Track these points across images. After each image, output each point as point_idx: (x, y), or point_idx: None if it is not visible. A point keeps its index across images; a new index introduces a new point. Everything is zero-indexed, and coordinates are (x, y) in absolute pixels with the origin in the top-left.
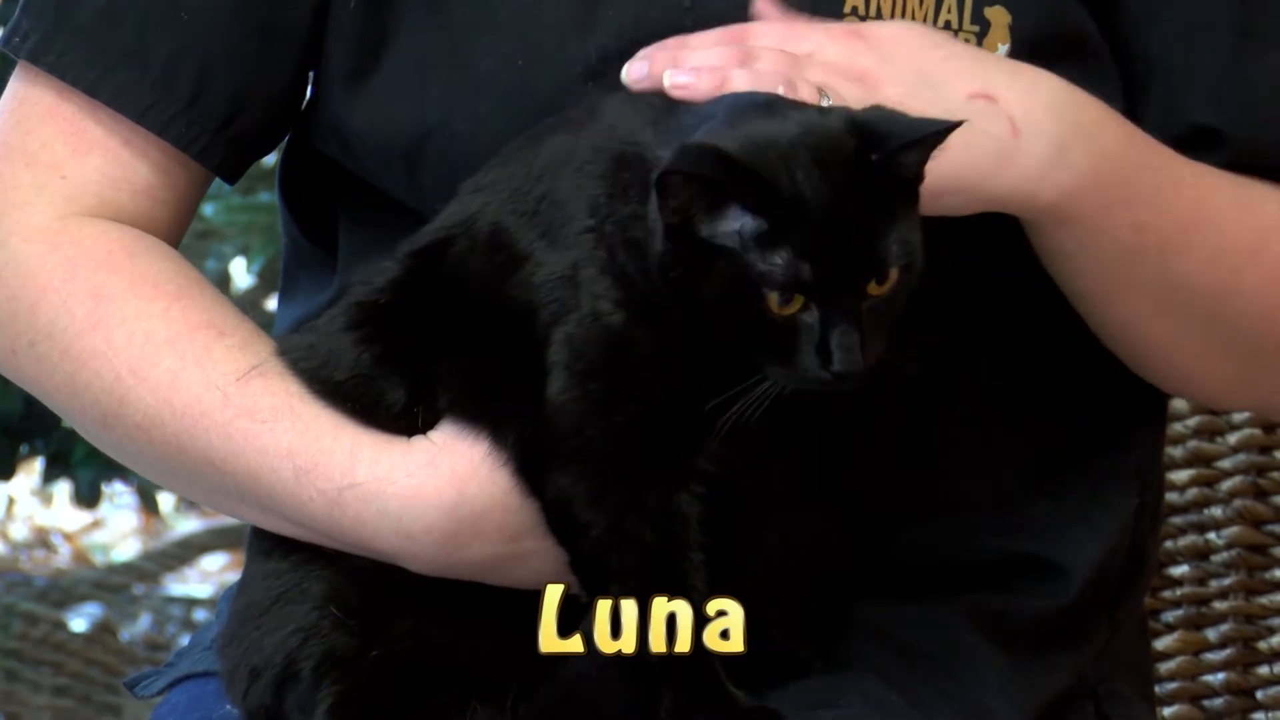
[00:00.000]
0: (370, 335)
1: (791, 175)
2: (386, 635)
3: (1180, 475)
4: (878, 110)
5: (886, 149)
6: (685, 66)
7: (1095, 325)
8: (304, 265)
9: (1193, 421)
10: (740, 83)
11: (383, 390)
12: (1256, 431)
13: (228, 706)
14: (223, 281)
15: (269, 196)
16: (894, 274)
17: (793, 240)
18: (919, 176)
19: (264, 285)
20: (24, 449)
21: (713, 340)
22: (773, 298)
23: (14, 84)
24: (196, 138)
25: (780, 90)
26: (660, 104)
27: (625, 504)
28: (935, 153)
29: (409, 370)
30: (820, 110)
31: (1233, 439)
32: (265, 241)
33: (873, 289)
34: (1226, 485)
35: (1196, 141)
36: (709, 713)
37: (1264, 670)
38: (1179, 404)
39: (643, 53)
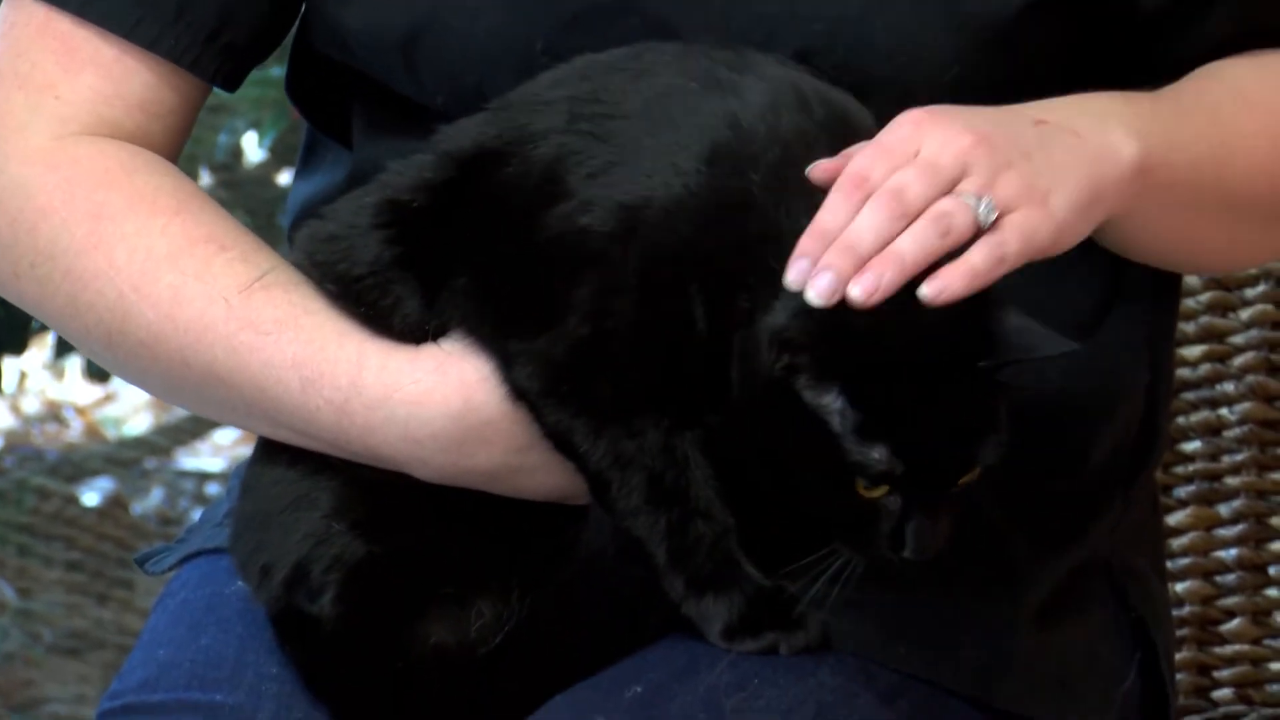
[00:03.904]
0: (395, 236)
1: (902, 380)
2: (392, 541)
3: (1192, 351)
4: (1005, 312)
5: (996, 360)
6: (863, 264)
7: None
8: (327, 143)
9: (1205, 297)
10: (911, 251)
11: (399, 296)
12: (1269, 307)
13: (239, 583)
14: (234, 156)
15: (280, 71)
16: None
17: (890, 439)
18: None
19: (275, 160)
20: (35, 323)
21: (777, 487)
22: (861, 483)
23: (4, 9)
24: (187, 49)
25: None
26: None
27: (625, 436)
28: (1062, 175)
29: (427, 279)
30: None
31: (1245, 314)
32: (277, 116)
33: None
34: (1239, 361)
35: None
36: (721, 591)
37: (1276, 546)
38: (1191, 280)
39: (820, 261)
